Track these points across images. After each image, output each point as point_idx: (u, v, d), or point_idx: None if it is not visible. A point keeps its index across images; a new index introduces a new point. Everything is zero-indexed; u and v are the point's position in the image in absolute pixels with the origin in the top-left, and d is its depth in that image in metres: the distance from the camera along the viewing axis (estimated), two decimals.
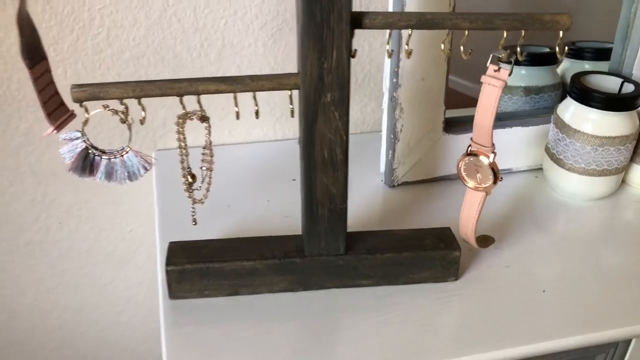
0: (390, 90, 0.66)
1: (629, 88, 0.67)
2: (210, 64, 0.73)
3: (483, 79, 0.48)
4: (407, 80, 0.66)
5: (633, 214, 0.70)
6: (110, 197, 0.79)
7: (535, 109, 0.79)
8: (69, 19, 0.66)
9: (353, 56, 0.46)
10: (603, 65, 0.78)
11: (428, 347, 0.50)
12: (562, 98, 0.80)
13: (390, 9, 0.63)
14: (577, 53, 0.82)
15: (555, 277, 0.58)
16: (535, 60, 0.77)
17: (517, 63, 0.48)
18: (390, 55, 0.46)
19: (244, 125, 0.79)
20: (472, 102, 0.50)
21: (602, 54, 0.79)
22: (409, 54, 0.46)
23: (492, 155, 0.51)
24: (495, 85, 0.47)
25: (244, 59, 0.74)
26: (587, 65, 0.80)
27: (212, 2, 0.69)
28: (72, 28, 0.67)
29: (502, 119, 0.73)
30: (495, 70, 0.47)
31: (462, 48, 0.47)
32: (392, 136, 0.68)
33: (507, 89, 0.78)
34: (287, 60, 0.75)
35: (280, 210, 0.67)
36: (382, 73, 0.79)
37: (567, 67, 0.83)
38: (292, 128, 0.81)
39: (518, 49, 0.47)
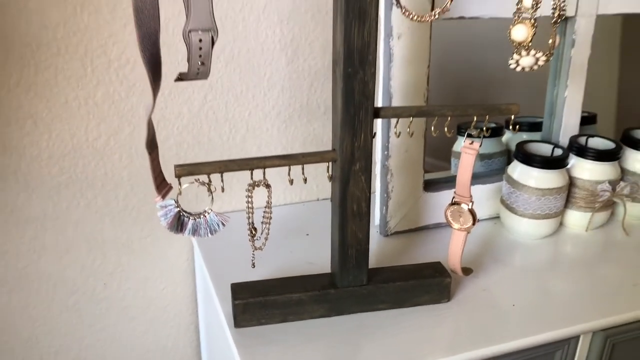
0: (382, 160, 0.86)
1: (558, 152, 0.89)
2: (236, 146, 0.91)
3: (462, 149, 0.69)
4: (395, 152, 0.86)
5: (570, 247, 0.90)
6: (148, 260, 0.93)
7: (489, 170, 1.01)
8: (128, 114, 0.83)
9: (374, 137, 0.65)
10: (536, 135, 1.01)
11: (432, 350, 0.67)
12: (508, 161, 1.03)
13: (380, 97, 0.83)
14: (515, 127, 1.05)
15: (519, 296, 0.77)
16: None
17: (484, 137, 0.68)
18: (398, 136, 0.66)
19: (258, 193, 0.96)
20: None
21: (535, 126, 1.02)
22: (411, 134, 0.66)
23: (470, 203, 0.71)
24: (470, 154, 0.67)
25: (262, 141, 0.92)
26: (524, 136, 1.03)
27: (240, 98, 0.88)
28: (130, 121, 0.84)
29: None
30: (470, 143, 0.68)
31: (446, 129, 0.67)
32: (385, 195, 0.87)
33: None
34: (294, 140, 0.94)
35: (303, 258, 0.83)
36: None
37: (509, 137, 1.06)
38: (297, 194, 0.99)
39: (484, 128, 0.68)
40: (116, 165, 0.86)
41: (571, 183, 0.91)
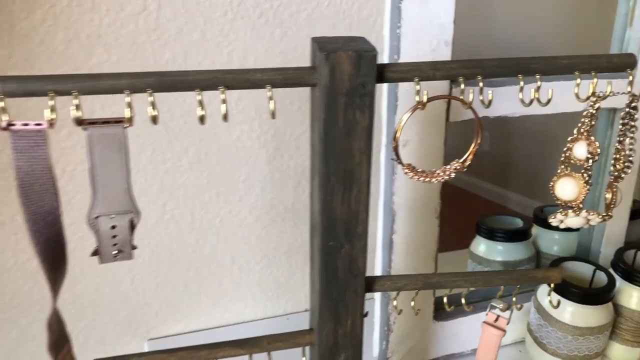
0: None
1: (601, 277, 0.72)
2: (206, 258, 0.75)
3: (483, 326, 0.52)
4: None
5: None
6: None
7: None
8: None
9: (365, 316, 0.49)
10: (571, 237, 0.84)
11: None
12: (537, 267, 0.86)
13: (380, 215, 0.67)
14: (546, 221, 0.88)
15: None
16: (511, 237, 0.82)
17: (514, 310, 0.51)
18: (399, 313, 0.49)
19: (236, 306, 0.80)
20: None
21: None
22: (416, 312, 0.50)
23: None
24: (495, 335, 0.51)
25: (237, 250, 0.76)
26: (556, 236, 0.86)
27: (209, 204, 0.72)
28: (70, 238, 0.68)
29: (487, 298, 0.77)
30: (495, 320, 0.51)
31: (463, 300, 0.50)
32: (386, 329, 0.71)
33: (486, 263, 0.83)
34: (278, 247, 0.78)
35: None
36: None
37: (538, 234, 0.88)
38: (282, 306, 0.83)
39: (514, 299, 0.51)
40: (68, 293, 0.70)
41: (616, 311, 0.73)
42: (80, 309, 0.72)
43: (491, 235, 0.82)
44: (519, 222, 0.85)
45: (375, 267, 0.70)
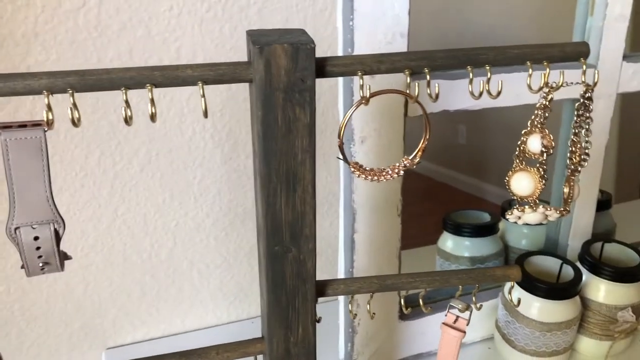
0: None
1: (568, 271, 0.71)
2: (162, 263, 0.72)
3: (442, 327, 0.50)
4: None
5: None
6: None
7: None
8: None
9: (318, 321, 0.47)
10: (539, 230, 0.83)
11: None
12: (506, 262, 0.85)
13: (342, 214, 0.65)
14: None
15: None
16: (478, 231, 0.80)
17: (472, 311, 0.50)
18: (353, 318, 0.47)
19: (197, 311, 0.77)
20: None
21: None
22: (372, 316, 0.48)
23: None
24: (454, 336, 0.49)
25: (195, 254, 0.73)
26: (524, 230, 0.84)
27: (163, 207, 0.69)
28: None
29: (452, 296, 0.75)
30: (454, 321, 0.49)
31: (421, 301, 0.48)
32: (350, 330, 0.69)
33: (453, 259, 0.81)
34: (239, 250, 0.76)
35: None
36: None
37: (506, 228, 0.87)
38: (245, 309, 0.80)
39: (473, 299, 0.49)
40: (3, 300, 0.67)
41: (584, 304, 0.72)
42: (30, 321, 0.69)
43: (458, 230, 0.81)
44: (486, 217, 0.84)
45: (338, 267, 0.68)
